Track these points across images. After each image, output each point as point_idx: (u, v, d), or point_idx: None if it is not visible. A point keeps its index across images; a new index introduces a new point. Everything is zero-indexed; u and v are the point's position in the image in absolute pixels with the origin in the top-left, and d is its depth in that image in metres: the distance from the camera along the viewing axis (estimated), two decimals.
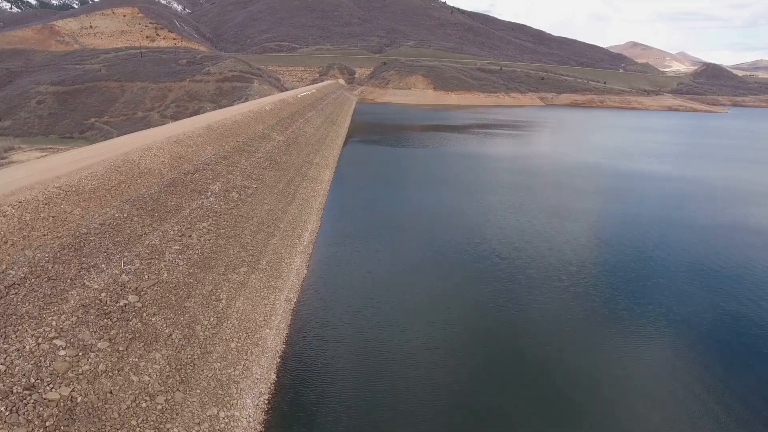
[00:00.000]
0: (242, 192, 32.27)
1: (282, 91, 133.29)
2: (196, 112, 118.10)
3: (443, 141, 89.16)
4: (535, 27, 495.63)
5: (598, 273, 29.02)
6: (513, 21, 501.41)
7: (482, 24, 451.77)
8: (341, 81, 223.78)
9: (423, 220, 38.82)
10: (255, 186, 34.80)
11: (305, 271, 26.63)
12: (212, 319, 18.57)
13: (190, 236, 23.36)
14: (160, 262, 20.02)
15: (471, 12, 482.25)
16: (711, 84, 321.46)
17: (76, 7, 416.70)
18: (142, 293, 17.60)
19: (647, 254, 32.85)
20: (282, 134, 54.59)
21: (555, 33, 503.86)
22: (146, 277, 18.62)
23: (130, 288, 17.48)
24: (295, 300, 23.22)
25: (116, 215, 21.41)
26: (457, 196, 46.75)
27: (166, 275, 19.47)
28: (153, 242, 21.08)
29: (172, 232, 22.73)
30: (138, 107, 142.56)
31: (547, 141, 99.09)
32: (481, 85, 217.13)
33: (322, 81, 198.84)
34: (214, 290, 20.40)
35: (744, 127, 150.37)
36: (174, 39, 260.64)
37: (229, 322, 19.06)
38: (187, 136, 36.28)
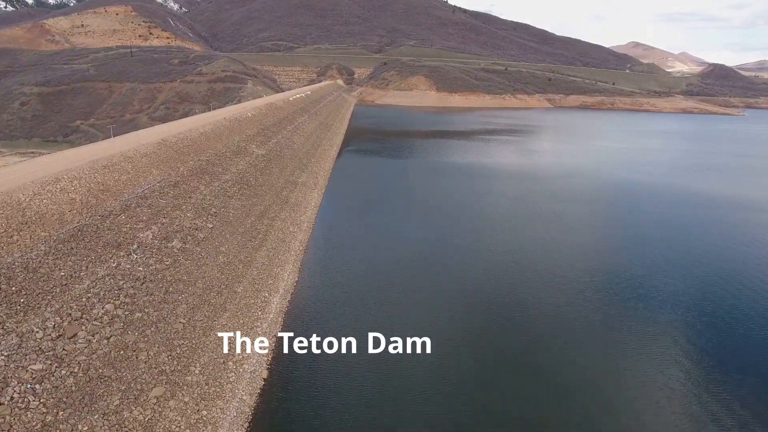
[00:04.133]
0: (189, 238, 23.46)
1: (278, 92, 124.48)
2: (185, 114, 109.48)
3: (451, 151, 79.66)
4: (538, 27, 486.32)
5: None
6: (515, 20, 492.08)
7: (484, 23, 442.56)
8: (339, 81, 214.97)
9: (437, 274, 28.40)
10: (211, 226, 26.00)
11: (265, 375, 17.65)
12: None
13: (73, 337, 14.58)
14: None
15: (473, 11, 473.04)
16: (720, 85, 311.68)
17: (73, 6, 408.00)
18: None
19: None
20: (263, 147, 45.80)
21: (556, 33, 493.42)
22: None
23: None
24: None
25: None
26: (481, 236, 35.40)
27: None
28: None
29: (39, 335, 13.96)
30: (126, 109, 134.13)
31: (570, 152, 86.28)
32: (485, 86, 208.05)
33: (320, 81, 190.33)
34: None
35: None
36: (168, 38, 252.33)
37: None
38: (126, 157, 27.48)
